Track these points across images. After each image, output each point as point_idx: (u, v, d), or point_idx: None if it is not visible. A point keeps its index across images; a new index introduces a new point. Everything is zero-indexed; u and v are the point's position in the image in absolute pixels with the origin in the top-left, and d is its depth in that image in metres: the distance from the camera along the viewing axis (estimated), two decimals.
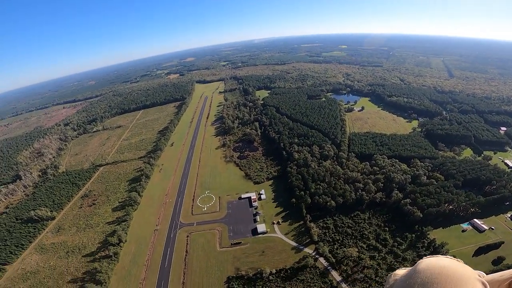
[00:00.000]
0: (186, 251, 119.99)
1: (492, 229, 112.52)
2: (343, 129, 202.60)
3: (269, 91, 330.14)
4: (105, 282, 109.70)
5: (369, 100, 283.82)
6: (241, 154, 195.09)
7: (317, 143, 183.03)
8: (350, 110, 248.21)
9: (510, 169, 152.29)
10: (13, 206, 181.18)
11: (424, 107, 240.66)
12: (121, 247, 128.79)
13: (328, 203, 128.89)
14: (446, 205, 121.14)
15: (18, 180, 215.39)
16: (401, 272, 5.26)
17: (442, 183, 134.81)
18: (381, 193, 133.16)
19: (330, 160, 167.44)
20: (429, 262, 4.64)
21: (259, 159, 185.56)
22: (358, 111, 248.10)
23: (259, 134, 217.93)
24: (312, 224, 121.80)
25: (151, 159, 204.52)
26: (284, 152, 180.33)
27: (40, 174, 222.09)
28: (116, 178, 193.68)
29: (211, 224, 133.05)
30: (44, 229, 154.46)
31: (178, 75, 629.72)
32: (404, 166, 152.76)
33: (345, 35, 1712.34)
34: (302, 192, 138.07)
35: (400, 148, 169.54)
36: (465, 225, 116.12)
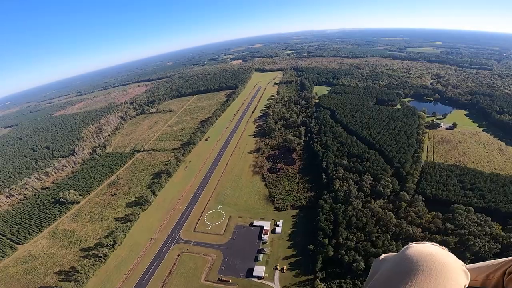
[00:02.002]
0: (170, 272, 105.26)
1: None
2: (417, 154, 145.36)
3: (329, 88, 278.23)
4: (82, 283, 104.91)
5: (466, 115, 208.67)
6: (273, 166, 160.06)
7: (371, 171, 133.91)
8: (434, 126, 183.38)
9: None
10: (57, 182, 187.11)
11: None
12: (114, 249, 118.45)
13: (356, 264, 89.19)
14: None
15: (71, 155, 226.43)
16: (387, 257, 5.20)
17: None
18: None
19: (383, 199, 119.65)
20: (416, 249, 4.60)
21: (292, 176, 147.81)
22: (447, 128, 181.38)
23: (302, 142, 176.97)
24: (322, 285, 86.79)
25: (180, 154, 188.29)
26: (324, 176, 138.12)
27: (91, 152, 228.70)
28: (145, 169, 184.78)
29: (208, 249, 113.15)
30: (65, 213, 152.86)
31: (241, 61, 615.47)
32: (497, 228, 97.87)
33: (439, 30, 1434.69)
34: (326, 240, 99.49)
35: (500, 199, 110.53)
36: None
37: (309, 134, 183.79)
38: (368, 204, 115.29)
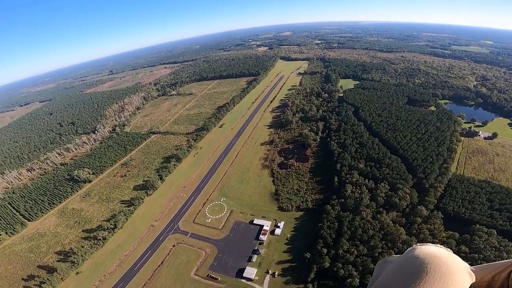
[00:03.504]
0: (162, 262, 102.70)
1: None
2: (445, 165, 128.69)
3: (357, 82, 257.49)
4: (77, 264, 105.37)
5: (509, 124, 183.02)
6: (284, 161, 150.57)
7: (389, 180, 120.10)
8: (471, 134, 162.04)
9: None
10: (76, 158, 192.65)
11: None
12: (114, 233, 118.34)
13: (350, 280, 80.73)
14: None
15: (92, 132, 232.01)
16: (392, 259, 5.17)
17: None
18: None
19: (397, 212, 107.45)
20: (420, 250, 4.64)
21: (302, 175, 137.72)
22: (485, 138, 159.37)
23: (318, 139, 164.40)
24: None
25: (192, 140, 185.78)
26: (336, 178, 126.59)
27: (110, 130, 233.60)
28: (157, 151, 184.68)
29: (204, 242, 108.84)
30: (76, 191, 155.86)
31: (267, 48, 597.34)
32: None
33: (490, 29, 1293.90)
34: (325, 250, 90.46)
35: None
36: None
37: (327, 131, 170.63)
38: (378, 215, 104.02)
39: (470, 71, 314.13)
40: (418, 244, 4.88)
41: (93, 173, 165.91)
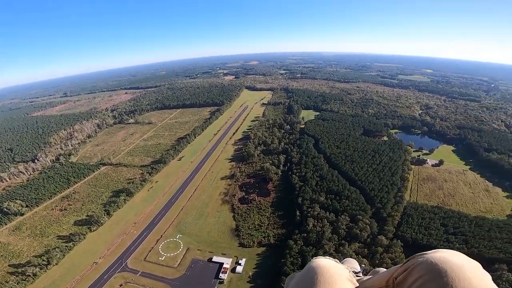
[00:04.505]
0: None
1: None
2: (400, 194, 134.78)
3: (317, 113, 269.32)
4: None
5: (453, 151, 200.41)
6: (245, 196, 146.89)
7: (350, 211, 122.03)
8: (420, 162, 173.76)
9: None
10: (9, 189, 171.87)
11: None
12: (47, 269, 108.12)
13: None
14: None
15: (32, 161, 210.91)
16: (296, 273, 6.06)
17: None
18: None
19: (359, 243, 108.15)
20: (313, 263, 5.54)
21: (264, 210, 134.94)
22: (433, 165, 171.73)
23: (280, 172, 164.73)
24: None
25: (147, 173, 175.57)
26: (298, 212, 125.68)
27: (53, 160, 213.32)
28: (106, 185, 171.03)
29: (157, 282, 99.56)
30: (5, 224, 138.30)
31: (233, 77, 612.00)
32: None
33: (431, 58, 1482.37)
34: None
35: (484, 244, 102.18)
36: None
37: (288, 164, 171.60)
38: (341, 248, 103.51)
39: (415, 100, 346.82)
40: (315, 257, 5.71)
41: (27, 206, 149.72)
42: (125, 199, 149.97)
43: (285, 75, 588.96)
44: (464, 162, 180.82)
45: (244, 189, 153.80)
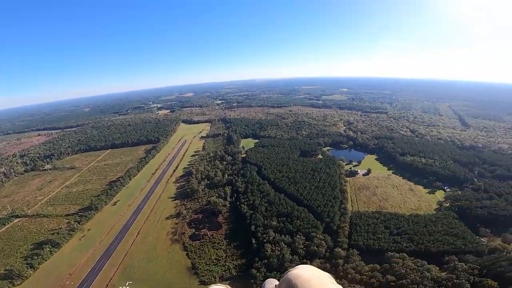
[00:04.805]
0: None
1: None
2: (343, 205, 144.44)
3: (256, 141, 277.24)
4: None
5: (376, 159, 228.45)
6: (196, 233, 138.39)
7: (303, 230, 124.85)
8: (353, 173, 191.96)
9: None
10: None
11: (450, 171, 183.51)
12: None
13: None
14: None
15: None
16: (275, 282, 6.65)
17: None
18: None
19: (319, 259, 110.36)
20: (290, 271, 6.14)
21: (218, 243, 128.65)
22: (363, 175, 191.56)
23: (228, 204, 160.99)
24: None
25: (75, 222, 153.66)
26: (254, 240, 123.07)
27: None
28: (23, 237, 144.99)
29: None
30: None
31: (168, 111, 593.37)
32: (436, 270, 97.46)
33: (347, 78, 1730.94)
34: None
35: (426, 239, 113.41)
36: None
37: (235, 194, 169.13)
38: None
39: (338, 117, 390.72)
40: (290, 269, 6.17)
41: None
42: (51, 251, 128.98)
43: (221, 105, 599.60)
44: (387, 168, 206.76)
45: (193, 225, 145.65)
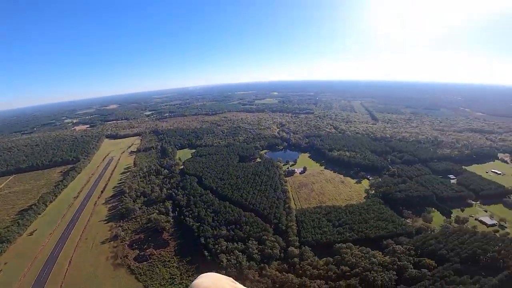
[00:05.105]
0: None
1: None
2: (287, 205, 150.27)
3: (193, 151, 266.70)
4: None
5: (309, 157, 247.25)
6: (141, 253, 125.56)
7: (254, 235, 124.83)
8: (290, 173, 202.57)
9: (489, 227, 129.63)
10: None
11: (369, 161, 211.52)
12: None
13: None
14: None
15: None
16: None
17: (440, 272, 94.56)
18: None
19: (276, 261, 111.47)
20: (192, 282, 6.41)
21: (169, 261, 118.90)
22: (300, 173, 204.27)
23: (171, 220, 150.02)
24: None
25: None
26: (207, 253, 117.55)
27: None
28: None
29: None
30: None
31: (87, 126, 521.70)
32: (379, 255, 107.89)
33: (277, 82, 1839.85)
34: None
35: (364, 226, 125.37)
36: None
37: (177, 209, 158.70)
38: (264, 271, 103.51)
39: (272, 120, 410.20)
40: (201, 275, 6.52)
41: None
42: None
43: (152, 116, 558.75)
44: (319, 164, 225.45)
45: (136, 246, 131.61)
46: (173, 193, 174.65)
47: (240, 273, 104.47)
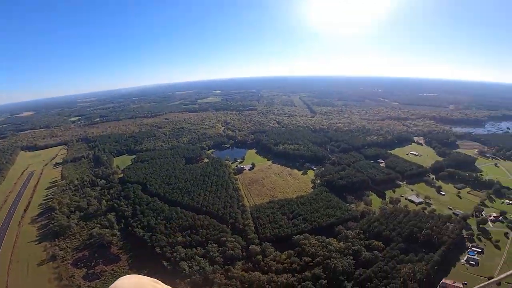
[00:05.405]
0: None
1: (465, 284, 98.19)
2: (240, 203, 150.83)
3: (134, 156, 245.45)
4: None
5: (256, 153, 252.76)
6: (89, 272, 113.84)
7: (212, 238, 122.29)
8: (240, 170, 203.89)
9: (418, 205, 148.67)
10: None
11: (312, 152, 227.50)
12: None
13: None
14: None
15: None
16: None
17: (389, 253, 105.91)
18: None
19: (240, 261, 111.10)
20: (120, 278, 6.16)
21: (124, 275, 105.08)
22: (249, 170, 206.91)
23: (118, 232, 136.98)
24: None
25: None
26: (166, 263, 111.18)
27: None
28: None
29: None
30: None
31: None
32: (334, 242, 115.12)
33: (220, 80, 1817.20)
34: None
35: (316, 216, 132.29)
36: None
37: (123, 220, 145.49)
38: (229, 273, 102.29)
39: (216, 119, 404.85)
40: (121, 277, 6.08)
41: None
42: None
43: (79, 123, 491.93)
44: (266, 159, 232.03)
45: (82, 264, 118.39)
46: (115, 204, 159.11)
47: (206, 278, 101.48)
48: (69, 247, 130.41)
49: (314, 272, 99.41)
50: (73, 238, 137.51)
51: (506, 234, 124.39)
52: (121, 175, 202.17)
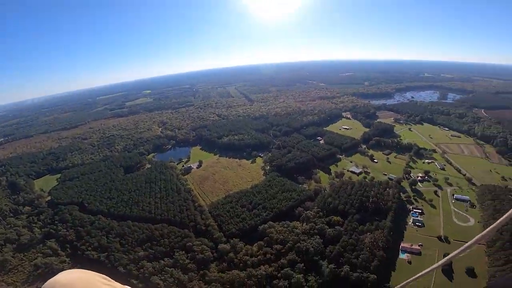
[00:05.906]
0: None
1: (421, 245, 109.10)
2: (196, 204, 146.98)
3: (59, 175, 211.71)
4: None
5: (201, 149, 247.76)
6: None
7: (177, 245, 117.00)
8: (187, 170, 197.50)
9: (359, 175, 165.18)
10: None
11: (256, 139, 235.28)
12: None
13: None
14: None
15: None
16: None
17: (349, 226, 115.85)
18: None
19: (214, 262, 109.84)
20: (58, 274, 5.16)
21: None
22: (197, 168, 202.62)
23: (67, 259, 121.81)
24: None
25: None
26: (134, 281, 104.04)
27: None
28: None
29: None
30: None
31: None
32: (298, 225, 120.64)
33: (149, 79, 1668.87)
34: None
35: (274, 202, 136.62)
36: (403, 256, 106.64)
37: (68, 245, 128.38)
38: (207, 277, 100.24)
39: (151, 121, 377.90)
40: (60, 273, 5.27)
41: None
42: None
43: None
44: (213, 154, 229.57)
45: None
46: (52, 230, 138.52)
47: None
48: (17, 281, 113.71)
49: (289, 258, 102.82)
50: (16, 271, 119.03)
51: (435, 193, 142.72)
52: (49, 198, 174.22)
